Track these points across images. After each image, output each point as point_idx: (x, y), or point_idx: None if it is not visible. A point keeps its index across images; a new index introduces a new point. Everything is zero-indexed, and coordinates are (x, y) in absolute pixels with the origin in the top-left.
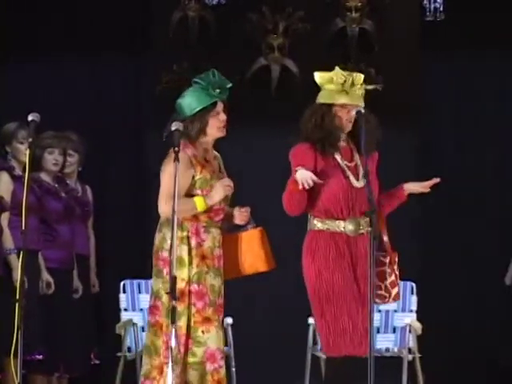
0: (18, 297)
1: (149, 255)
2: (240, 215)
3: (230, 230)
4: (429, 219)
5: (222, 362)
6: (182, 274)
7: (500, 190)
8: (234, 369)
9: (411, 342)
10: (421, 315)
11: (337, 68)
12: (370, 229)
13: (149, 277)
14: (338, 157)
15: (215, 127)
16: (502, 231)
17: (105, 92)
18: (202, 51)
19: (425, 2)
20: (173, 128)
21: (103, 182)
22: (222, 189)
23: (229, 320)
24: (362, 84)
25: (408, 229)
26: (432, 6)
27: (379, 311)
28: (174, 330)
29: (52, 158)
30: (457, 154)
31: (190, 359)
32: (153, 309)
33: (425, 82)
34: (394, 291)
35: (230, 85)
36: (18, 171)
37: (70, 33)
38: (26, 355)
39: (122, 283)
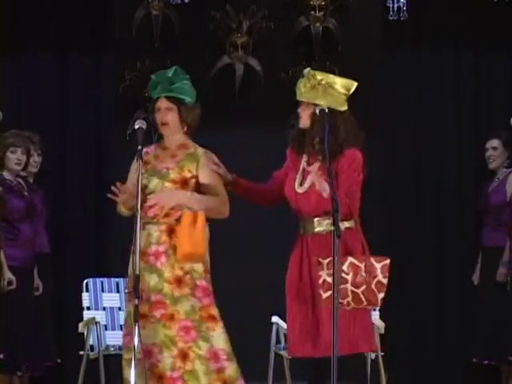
0: None
1: (112, 253)
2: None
3: None
4: (390, 219)
5: (160, 357)
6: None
7: (460, 189)
8: None
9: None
10: (383, 314)
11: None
12: (332, 228)
13: (112, 275)
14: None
15: (158, 124)
16: (466, 229)
17: (67, 90)
18: (166, 49)
19: (388, 1)
20: (136, 126)
21: (64, 181)
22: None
23: None
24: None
25: (370, 228)
26: (395, 5)
27: None
28: (136, 328)
29: (15, 158)
30: (418, 153)
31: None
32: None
33: (388, 81)
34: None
35: (179, 82)
36: None
37: (31, 31)
38: None
39: (84, 282)
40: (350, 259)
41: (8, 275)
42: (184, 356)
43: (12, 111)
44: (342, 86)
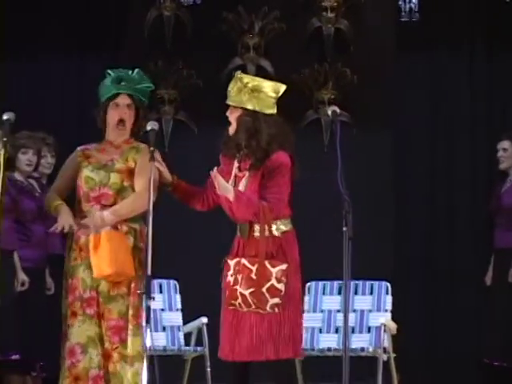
0: None
1: None
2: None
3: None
4: (403, 219)
5: (81, 357)
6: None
7: (473, 190)
8: (208, 369)
9: (386, 341)
10: (395, 315)
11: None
12: (344, 228)
13: None
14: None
15: (112, 119)
16: (478, 230)
17: (80, 91)
18: (177, 50)
19: (400, 2)
20: (148, 128)
21: None
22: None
23: (204, 320)
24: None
25: (382, 229)
26: (407, 6)
27: (354, 311)
28: (148, 329)
29: (25, 159)
30: (431, 154)
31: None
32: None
33: (400, 81)
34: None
35: (143, 84)
36: None
37: (44, 31)
38: (1, 356)
39: None
40: (242, 261)
41: (21, 276)
42: (108, 357)
43: (27, 112)
44: (271, 89)
